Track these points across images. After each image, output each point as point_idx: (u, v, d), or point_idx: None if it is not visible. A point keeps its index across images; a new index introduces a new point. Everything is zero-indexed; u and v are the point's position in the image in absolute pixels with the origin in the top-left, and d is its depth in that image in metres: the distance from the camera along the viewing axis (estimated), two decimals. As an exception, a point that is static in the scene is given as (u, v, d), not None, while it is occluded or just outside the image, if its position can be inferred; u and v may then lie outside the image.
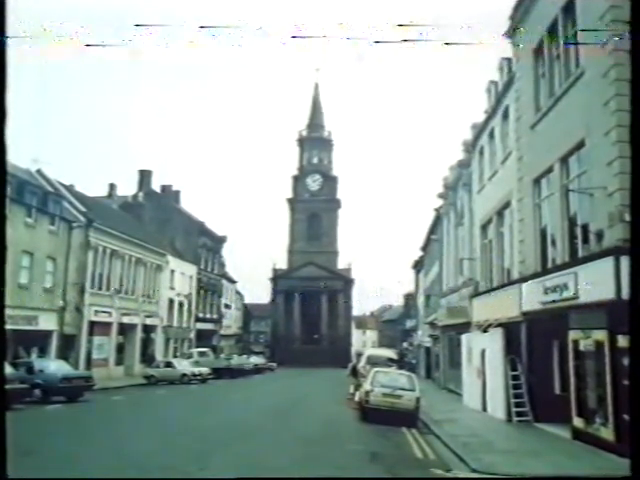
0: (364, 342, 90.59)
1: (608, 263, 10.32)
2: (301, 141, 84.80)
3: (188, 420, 16.14)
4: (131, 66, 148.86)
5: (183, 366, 33.60)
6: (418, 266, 51.07)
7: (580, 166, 12.59)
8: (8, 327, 19.46)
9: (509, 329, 16.69)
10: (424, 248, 44.19)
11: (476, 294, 21.02)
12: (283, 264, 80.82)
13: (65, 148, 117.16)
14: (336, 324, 77.43)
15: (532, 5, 15.19)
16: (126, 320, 36.98)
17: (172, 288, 45.00)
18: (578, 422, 12.34)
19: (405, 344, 62.33)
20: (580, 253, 12.37)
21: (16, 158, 27.55)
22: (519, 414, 15.69)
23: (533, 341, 15.63)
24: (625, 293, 9.46)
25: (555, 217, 13.72)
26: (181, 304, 47.05)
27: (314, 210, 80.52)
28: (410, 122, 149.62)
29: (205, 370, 33.92)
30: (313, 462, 10.33)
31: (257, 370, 47.01)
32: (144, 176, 53.19)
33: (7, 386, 13.43)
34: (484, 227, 21.17)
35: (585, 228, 12.17)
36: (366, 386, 16.99)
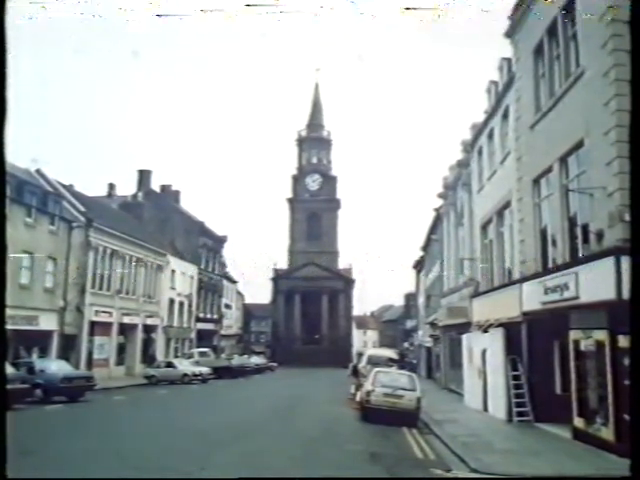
0: (365, 342, 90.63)
1: (608, 263, 10.32)
2: (300, 141, 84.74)
3: (189, 420, 16.14)
4: (131, 66, 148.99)
5: (184, 366, 33.62)
6: (418, 266, 51.07)
7: (580, 166, 12.59)
8: (9, 327, 19.41)
9: (510, 329, 16.68)
10: (424, 248, 44.18)
11: (477, 294, 21.02)
12: (283, 264, 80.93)
13: (65, 148, 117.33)
14: (337, 324, 77.38)
15: (532, 5, 15.18)
16: (127, 320, 37.02)
17: (173, 288, 45.02)
18: (579, 422, 12.34)
19: (406, 344, 62.36)
20: (580, 253, 12.37)
21: (16, 158, 27.62)
22: (520, 414, 15.69)
23: (534, 341, 15.63)
24: (625, 293, 9.45)
25: (555, 217, 13.72)
26: (182, 304, 47.06)
27: (314, 210, 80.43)
28: (410, 122, 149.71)
29: (206, 370, 33.93)
30: (313, 462, 10.34)
31: (258, 370, 47.00)
32: (144, 176, 53.19)
33: (8, 386, 13.41)
34: (484, 227, 21.16)
35: (585, 228, 12.17)
36: (367, 386, 16.99)
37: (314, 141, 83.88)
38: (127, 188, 59.01)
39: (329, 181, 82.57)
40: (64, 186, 34.35)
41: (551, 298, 12.95)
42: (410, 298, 63.24)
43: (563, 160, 13.30)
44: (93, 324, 32.88)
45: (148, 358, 38.68)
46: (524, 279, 15.19)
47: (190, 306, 48.81)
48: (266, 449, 11.51)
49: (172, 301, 45.08)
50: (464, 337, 22.16)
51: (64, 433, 13.45)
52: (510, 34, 16.95)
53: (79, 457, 10.13)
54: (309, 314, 76.53)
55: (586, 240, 12.07)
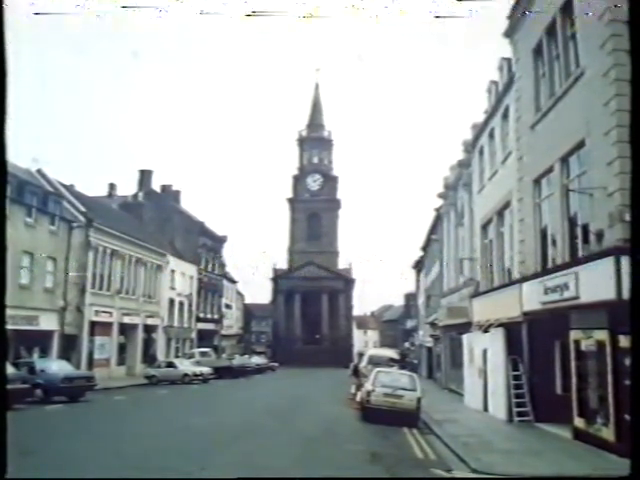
0: (365, 342, 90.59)
1: (608, 263, 10.32)
2: (301, 141, 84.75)
3: (189, 420, 16.11)
4: (131, 66, 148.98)
5: (185, 366, 33.64)
6: (419, 266, 51.05)
7: (580, 166, 12.59)
8: (9, 327, 19.40)
9: (510, 329, 16.68)
10: (424, 248, 44.18)
11: (477, 294, 21.01)
12: (283, 264, 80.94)
13: (65, 148, 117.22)
14: (337, 324, 77.40)
15: (531, 5, 15.17)
16: (127, 320, 37.03)
17: (173, 288, 45.04)
18: (579, 422, 12.33)
19: (407, 344, 62.35)
20: (580, 253, 12.37)
21: (16, 158, 27.58)
22: (520, 414, 15.68)
23: (534, 341, 15.61)
24: (625, 293, 9.44)
25: (555, 217, 13.71)
26: (182, 304, 47.08)
27: (314, 210, 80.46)
28: (410, 122, 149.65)
29: (207, 370, 33.96)
30: (314, 462, 10.35)
31: (259, 370, 47.05)
32: (144, 176, 53.17)
33: (8, 386, 13.38)
34: (484, 227, 21.15)
35: (585, 228, 12.17)
36: (368, 386, 17.00)
37: (315, 141, 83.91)
38: (128, 188, 58.92)
39: (330, 181, 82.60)
40: (64, 186, 34.34)
41: (551, 298, 12.94)
42: (410, 298, 63.25)
43: (564, 160, 13.28)
44: (93, 324, 32.87)
45: (149, 358, 38.69)
46: (524, 279, 15.18)
47: (190, 306, 48.83)
48: (266, 449, 11.51)
49: (172, 301, 45.09)
50: (464, 337, 22.15)
51: (64, 433, 13.45)
52: (509, 34, 16.94)
53: (79, 457, 10.14)
54: (309, 314, 76.56)
55: (586, 240, 12.06)
